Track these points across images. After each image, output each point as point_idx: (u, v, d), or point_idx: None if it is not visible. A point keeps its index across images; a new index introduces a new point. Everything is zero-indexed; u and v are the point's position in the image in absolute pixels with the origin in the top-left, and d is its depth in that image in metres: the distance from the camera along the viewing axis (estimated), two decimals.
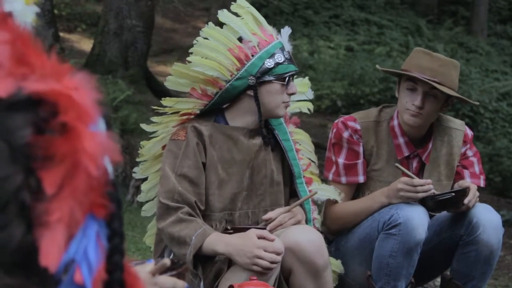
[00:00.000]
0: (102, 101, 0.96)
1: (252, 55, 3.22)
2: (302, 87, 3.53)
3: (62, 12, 11.66)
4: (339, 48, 11.97)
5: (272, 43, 3.24)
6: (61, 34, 10.46)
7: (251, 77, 3.19)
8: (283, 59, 3.21)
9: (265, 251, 2.94)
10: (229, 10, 3.31)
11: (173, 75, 3.27)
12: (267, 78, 3.20)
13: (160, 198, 3.15)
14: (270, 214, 3.21)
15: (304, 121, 3.54)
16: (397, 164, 3.47)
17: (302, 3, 13.27)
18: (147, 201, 3.47)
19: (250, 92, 3.21)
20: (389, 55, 11.79)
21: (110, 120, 0.99)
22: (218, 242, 3.02)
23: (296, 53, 10.90)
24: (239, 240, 3.00)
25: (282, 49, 3.24)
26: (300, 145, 3.45)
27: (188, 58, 3.25)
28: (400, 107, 3.52)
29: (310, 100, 3.57)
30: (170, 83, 3.29)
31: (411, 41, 12.48)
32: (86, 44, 10.85)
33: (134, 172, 3.47)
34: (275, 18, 12.16)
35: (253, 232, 3.00)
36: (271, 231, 3.13)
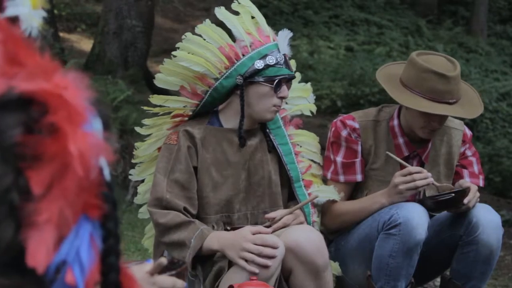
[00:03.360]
0: (101, 100, 0.96)
1: (243, 55, 3.20)
2: (304, 92, 3.51)
3: (62, 12, 11.66)
4: (339, 48, 11.96)
5: (266, 44, 3.22)
6: (61, 34, 10.46)
7: (239, 77, 3.18)
8: (274, 62, 3.18)
9: (255, 244, 2.95)
10: (229, 11, 3.31)
11: (162, 72, 3.27)
12: (255, 79, 3.17)
13: (148, 206, 3.17)
14: (272, 214, 3.20)
15: (304, 121, 3.53)
16: (387, 152, 3.47)
17: (302, 3, 13.26)
18: (144, 203, 3.47)
19: (239, 92, 3.20)
20: (389, 55, 11.79)
21: (109, 119, 0.99)
22: (213, 240, 3.04)
23: (296, 53, 10.88)
24: (231, 234, 3.02)
25: (277, 51, 3.22)
26: (300, 147, 3.44)
27: (173, 53, 3.24)
28: (413, 123, 3.47)
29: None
30: (159, 81, 3.28)
31: (411, 41, 12.47)
32: (86, 44, 10.85)
33: (131, 174, 3.47)
34: (275, 18, 12.16)
35: (247, 228, 3.01)
36: (273, 232, 3.13)
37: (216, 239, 3.04)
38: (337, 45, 12.05)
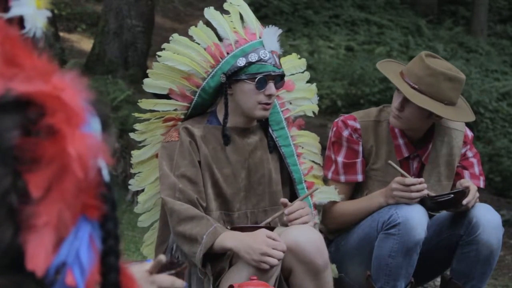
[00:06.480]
0: (100, 100, 0.95)
1: (228, 53, 3.20)
2: (309, 93, 3.51)
3: (62, 12, 11.65)
4: (339, 48, 11.95)
5: (250, 42, 3.22)
6: (61, 34, 10.45)
7: (222, 75, 3.17)
8: (257, 59, 3.16)
9: (273, 249, 2.94)
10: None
11: (150, 77, 3.27)
12: (239, 77, 3.17)
13: (162, 195, 3.14)
14: (286, 200, 3.20)
15: (304, 121, 3.53)
16: (389, 162, 3.46)
17: (302, 3, 13.25)
18: (144, 212, 3.46)
19: (229, 91, 3.20)
20: (389, 55, 11.77)
21: (108, 118, 0.98)
22: (228, 237, 3.00)
23: (296, 53, 10.87)
24: (249, 237, 2.98)
25: (261, 48, 3.19)
26: (303, 149, 3.43)
27: (158, 53, 3.25)
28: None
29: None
30: (147, 86, 3.28)
31: (411, 41, 12.46)
32: (86, 44, 10.84)
33: (130, 184, 3.46)
34: (275, 18, 12.13)
35: (263, 232, 2.99)
36: (289, 215, 3.14)
37: (232, 238, 3.00)
38: (337, 45, 12.04)
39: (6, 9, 1.17)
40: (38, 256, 0.87)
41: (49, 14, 1.23)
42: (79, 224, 0.91)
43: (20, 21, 1.18)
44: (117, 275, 0.96)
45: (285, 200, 3.20)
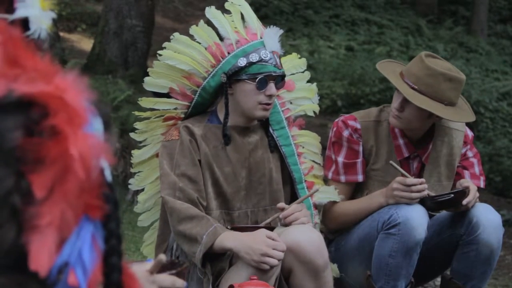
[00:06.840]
0: (102, 100, 0.95)
1: (229, 53, 3.20)
2: (309, 92, 3.51)
3: (62, 12, 11.65)
4: (339, 48, 11.95)
5: (252, 42, 3.22)
6: (61, 34, 10.45)
7: (223, 75, 3.18)
8: (257, 59, 3.16)
9: (273, 249, 2.94)
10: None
11: (150, 76, 3.27)
12: (240, 77, 3.17)
13: (162, 193, 3.14)
14: (283, 204, 3.20)
15: (305, 121, 3.53)
16: (391, 162, 3.46)
17: (302, 3, 13.25)
18: (144, 212, 3.46)
19: (230, 91, 3.20)
20: (389, 55, 11.77)
21: (110, 118, 0.99)
22: (227, 238, 3.00)
23: (296, 53, 10.86)
24: (249, 237, 2.98)
25: (263, 48, 3.19)
26: (303, 148, 3.43)
27: (159, 52, 3.25)
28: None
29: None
30: (148, 84, 3.29)
31: (411, 41, 12.47)
32: (86, 44, 10.84)
33: (130, 184, 3.46)
34: (275, 18, 12.14)
35: (263, 232, 3.00)
36: (285, 219, 3.13)
37: (232, 237, 3.00)
38: (337, 44, 12.04)
39: (12, 10, 1.17)
40: (41, 256, 0.87)
41: (54, 15, 1.23)
42: (82, 224, 0.91)
43: (24, 22, 1.18)
44: (119, 275, 0.96)
45: (282, 204, 3.20)
